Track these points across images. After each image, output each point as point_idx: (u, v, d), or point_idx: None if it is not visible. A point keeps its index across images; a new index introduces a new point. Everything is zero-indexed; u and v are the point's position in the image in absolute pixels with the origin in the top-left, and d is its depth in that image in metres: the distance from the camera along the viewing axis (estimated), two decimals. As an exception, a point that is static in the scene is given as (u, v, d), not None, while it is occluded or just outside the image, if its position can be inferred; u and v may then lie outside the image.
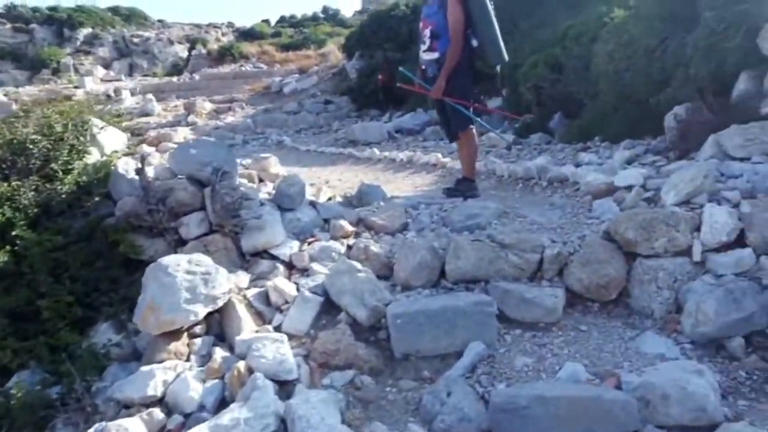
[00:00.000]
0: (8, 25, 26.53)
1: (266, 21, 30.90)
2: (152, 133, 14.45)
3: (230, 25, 29.75)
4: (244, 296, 3.18)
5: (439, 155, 6.96)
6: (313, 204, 4.02)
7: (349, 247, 3.61)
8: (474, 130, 4.51)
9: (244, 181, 4.35)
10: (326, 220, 3.92)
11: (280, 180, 4.04)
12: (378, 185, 4.51)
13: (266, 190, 4.25)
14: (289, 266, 3.51)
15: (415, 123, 11.08)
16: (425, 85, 4.52)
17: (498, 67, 4.45)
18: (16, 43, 26.47)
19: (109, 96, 20.14)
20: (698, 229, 3.02)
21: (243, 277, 3.25)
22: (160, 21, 28.79)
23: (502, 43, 4.27)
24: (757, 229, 2.86)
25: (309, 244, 3.66)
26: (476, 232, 3.78)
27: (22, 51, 26.33)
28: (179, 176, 3.74)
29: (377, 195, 4.32)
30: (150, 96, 18.77)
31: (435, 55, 4.35)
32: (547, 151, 6.68)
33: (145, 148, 4.87)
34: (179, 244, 3.60)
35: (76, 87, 21.00)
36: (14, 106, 19.42)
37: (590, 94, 7.90)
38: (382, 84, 4.66)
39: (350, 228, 3.80)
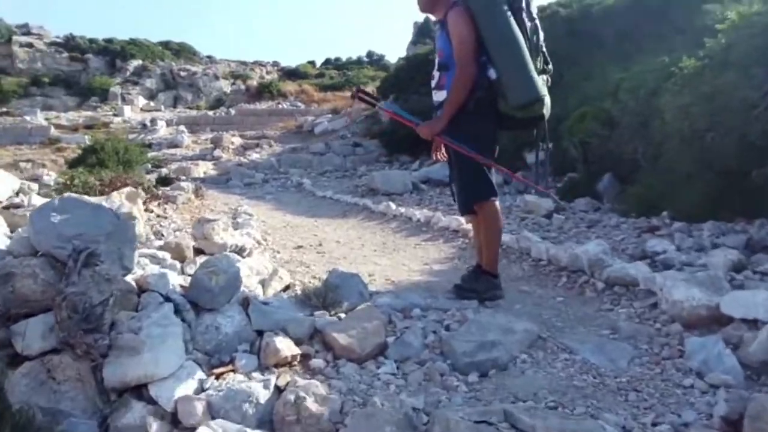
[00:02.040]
0: (65, 54, 26.65)
1: (311, 62, 30.30)
2: (173, 166, 13.43)
3: (275, 64, 29.20)
4: (61, 491, 1.70)
5: (463, 219, 5.44)
6: (246, 303, 2.54)
7: (279, 390, 2.11)
8: (497, 203, 2.99)
9: (166, 256, 2.92)
10: (260, 332, 2.43)
11: (200, 265, 2.59)
12: (355, 274, 2.98)
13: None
14: (173, 420, 2.03)
15: (446, 174, 9.59)
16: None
17: (544, 111, 2.89)
18: (70, 71, 26.52)
19: (144, 125, 19.47)
20: None
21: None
22: (208, 57, 28.40)
23: (533, 74, 2.74)
24: None
25: (218, 377, 2.18)
26: (491, 376, 2.24)
27: (75, 79, 26.34)
28: (41, 253, 2.35)
29: (352, 290, 2.82)
30: (182, 128, 17.95)
31: (443, 94, 2.90)
32: (598, 225, 5.08)
33: None
34: (15, 363, 2.18)
35: (115, 115, 20.44)
36: (53, 131, 18.91)
37: (649, 156, 6.35)
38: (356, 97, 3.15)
39: (290, 351, 2.29)
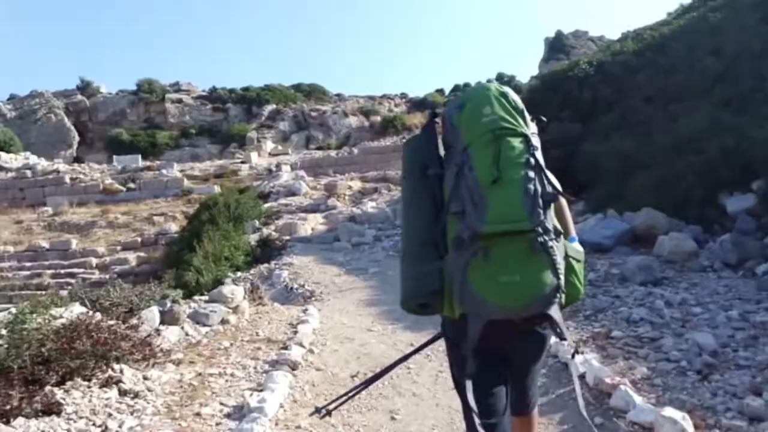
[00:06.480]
0: (209, 106, 27.13)
1: (440, 90, 28.00)
2: (282, 221, 11.66)
3: (403, 95, 27.33)
4: None
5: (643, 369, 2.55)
6: None
7: None
8: None
9: None
10: None
11: None
12: None
13: None
14: None
15: (606, 234, 6.58)
16: None
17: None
18: (213, 121, 26.92)
19: (270, 170, 18.39)
20: None
21: None
22: (337, 95, 27.35)
23: (413, 267, 1.48)
24: None
25: None
26: None
27: (218, 127, 26.67)
28: None
29: None
30: (301, 173, 16.48)
31: None
32: None
33: None
34: None
35: (243, 162, 19.71)
36: (186, 182, 18.52)
37: None
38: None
39: None
